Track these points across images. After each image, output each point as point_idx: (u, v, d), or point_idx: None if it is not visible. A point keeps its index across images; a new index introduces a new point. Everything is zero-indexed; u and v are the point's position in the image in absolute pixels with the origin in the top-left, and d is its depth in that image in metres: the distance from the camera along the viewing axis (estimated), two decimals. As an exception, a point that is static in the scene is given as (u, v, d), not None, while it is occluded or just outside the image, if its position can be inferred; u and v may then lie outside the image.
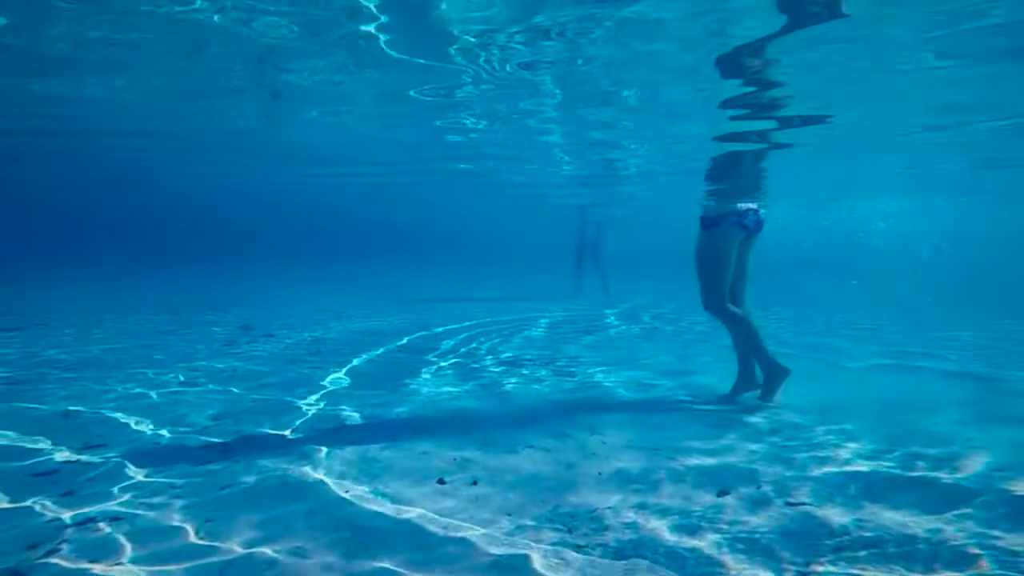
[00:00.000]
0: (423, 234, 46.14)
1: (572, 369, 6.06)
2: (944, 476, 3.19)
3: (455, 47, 4.47)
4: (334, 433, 3.79)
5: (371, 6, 3.83)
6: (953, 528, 2.57)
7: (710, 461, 3.40)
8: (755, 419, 4.28)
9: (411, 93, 5.89)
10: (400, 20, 4.05)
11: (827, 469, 3.28)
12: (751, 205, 4.71)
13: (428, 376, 5.58)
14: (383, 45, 4.52)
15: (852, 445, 3.68)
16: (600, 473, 3.18)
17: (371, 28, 4.19)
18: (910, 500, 2.87)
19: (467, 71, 5.07)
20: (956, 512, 2.73)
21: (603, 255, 17.54)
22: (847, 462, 3.38)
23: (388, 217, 31.62)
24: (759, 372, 4.80)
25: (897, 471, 3.25)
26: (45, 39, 4.74)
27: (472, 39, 4.29)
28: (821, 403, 4.62)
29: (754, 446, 3.68)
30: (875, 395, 5.11)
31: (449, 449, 3.52)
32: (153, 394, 4.67)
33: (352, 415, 4.23)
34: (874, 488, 3.01)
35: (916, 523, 2.63)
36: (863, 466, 3.32)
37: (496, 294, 16.17)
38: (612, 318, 11.03)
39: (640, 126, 6.94)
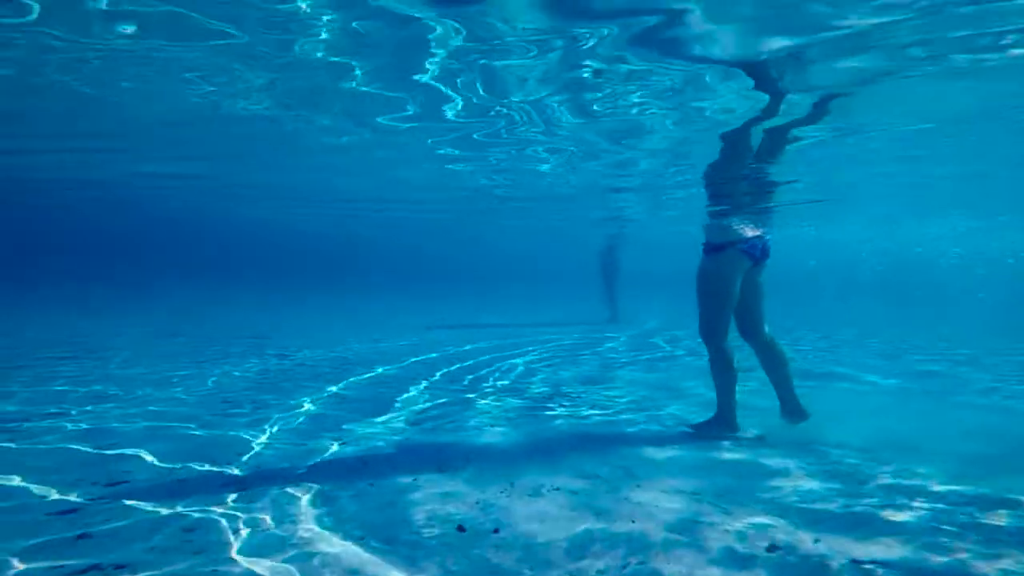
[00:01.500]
0: (449, 259, 46.55)
1: (600, 399, 5.80)
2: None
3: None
4: (355, 470, 3.67)
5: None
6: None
7: (760, 508, 3.09)
8: (807, 458, 3.92)
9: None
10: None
11: (900, 516, 2.92)
12: (757, 232, 4.50)
13: (452, 407, 5.43)
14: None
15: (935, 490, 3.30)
16: (633, 522, 2.92)
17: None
18: None
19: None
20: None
21: (619, 276, 16.95)
22: (929, 517, 3.01)
23: (413, 244, 32.03)
24: (801, 403, 4.52)
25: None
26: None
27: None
28: (889, 441, 4.22)
29: (811, 488, 3.34)
30: (951, 433, 4.63)
31: (472, 489, 3.34)
32: (191, 424, 4.68)
33: (375, 449, 4.10)
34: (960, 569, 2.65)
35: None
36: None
37: (520, 320, 15.92)
38: (625, 342, 10.66)
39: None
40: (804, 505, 3.14)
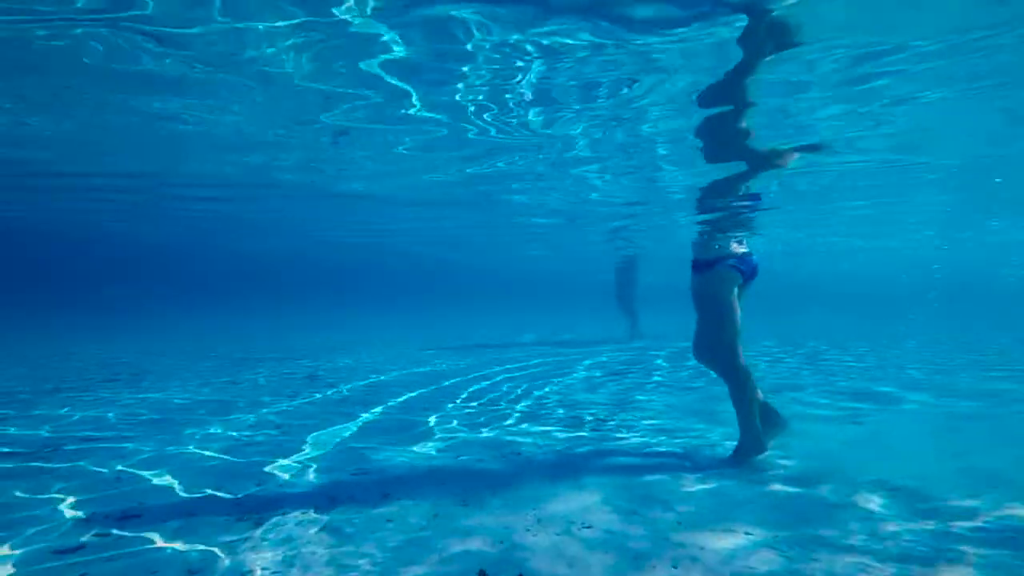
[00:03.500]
0: (472, 274, 46.23)
1: (628, 423, 5.45)
2: None
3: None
4: (375, 503, 3.45)
5: None
6: None
7: (826, 553, 2.72)
8: (872, 497, 3.51)
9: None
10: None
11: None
12: (745, 249, 4.33)
13: (475, 430, 5.18)
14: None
15: None
16: (674, 568, 2.60)
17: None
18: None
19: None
20: None
21: (637, 293, 16.21)
22: None
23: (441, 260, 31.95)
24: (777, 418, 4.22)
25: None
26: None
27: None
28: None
29: (875, 530, 2.95)
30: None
31: (496, 526, 3.07)
32: (207, 451, 4.57)
33: (392, 478, 3.88)
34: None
35: None
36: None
37: (539, 338, 15.50)
38: (660, 361, 10.19)
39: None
40: (872, 546, 2.76)
